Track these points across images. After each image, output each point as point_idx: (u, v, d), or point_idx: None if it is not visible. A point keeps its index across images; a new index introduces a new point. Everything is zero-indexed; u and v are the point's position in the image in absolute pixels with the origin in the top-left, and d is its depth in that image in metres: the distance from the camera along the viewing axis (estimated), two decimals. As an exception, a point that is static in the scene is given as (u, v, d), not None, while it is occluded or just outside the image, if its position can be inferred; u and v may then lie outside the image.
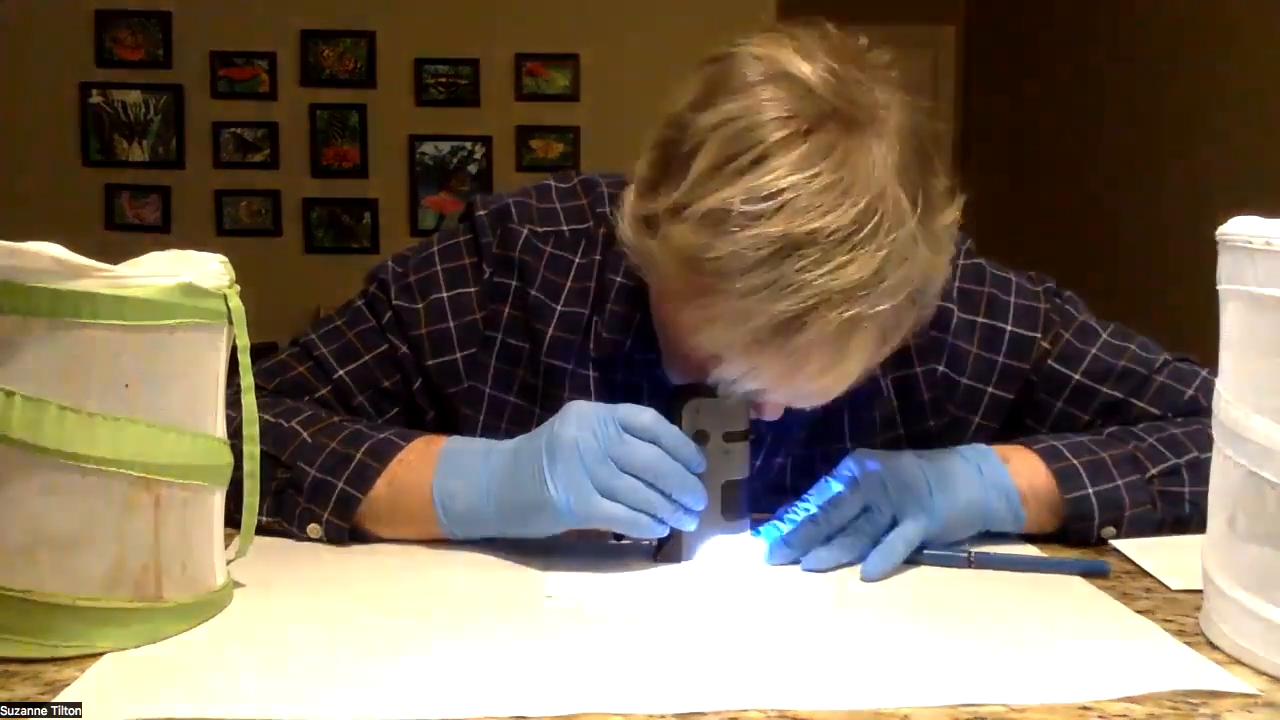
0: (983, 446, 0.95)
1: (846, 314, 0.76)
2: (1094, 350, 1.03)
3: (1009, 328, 1.02)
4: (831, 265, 0.75)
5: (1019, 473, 0.93)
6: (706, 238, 0.77)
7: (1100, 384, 1.02)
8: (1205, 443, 0.94)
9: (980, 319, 1.02)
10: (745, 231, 0.75)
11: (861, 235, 0.75)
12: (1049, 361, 1.02)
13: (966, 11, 5.82)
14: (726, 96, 0.79)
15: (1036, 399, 1.03)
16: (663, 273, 0.84)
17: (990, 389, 1.02)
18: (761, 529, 0.90)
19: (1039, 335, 1.02)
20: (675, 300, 0.85)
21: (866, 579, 0.85)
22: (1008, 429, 1.04)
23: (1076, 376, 1.02)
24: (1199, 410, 1.01)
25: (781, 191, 0.75)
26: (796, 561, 0.88)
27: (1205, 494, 0.94)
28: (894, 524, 0.88)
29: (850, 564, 0.87)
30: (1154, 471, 0.95)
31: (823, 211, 0.75)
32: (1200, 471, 0.94)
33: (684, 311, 0.83)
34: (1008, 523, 0.93)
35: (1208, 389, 1.01)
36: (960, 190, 0.86)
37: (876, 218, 0.75)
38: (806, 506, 0.89)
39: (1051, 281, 1.07)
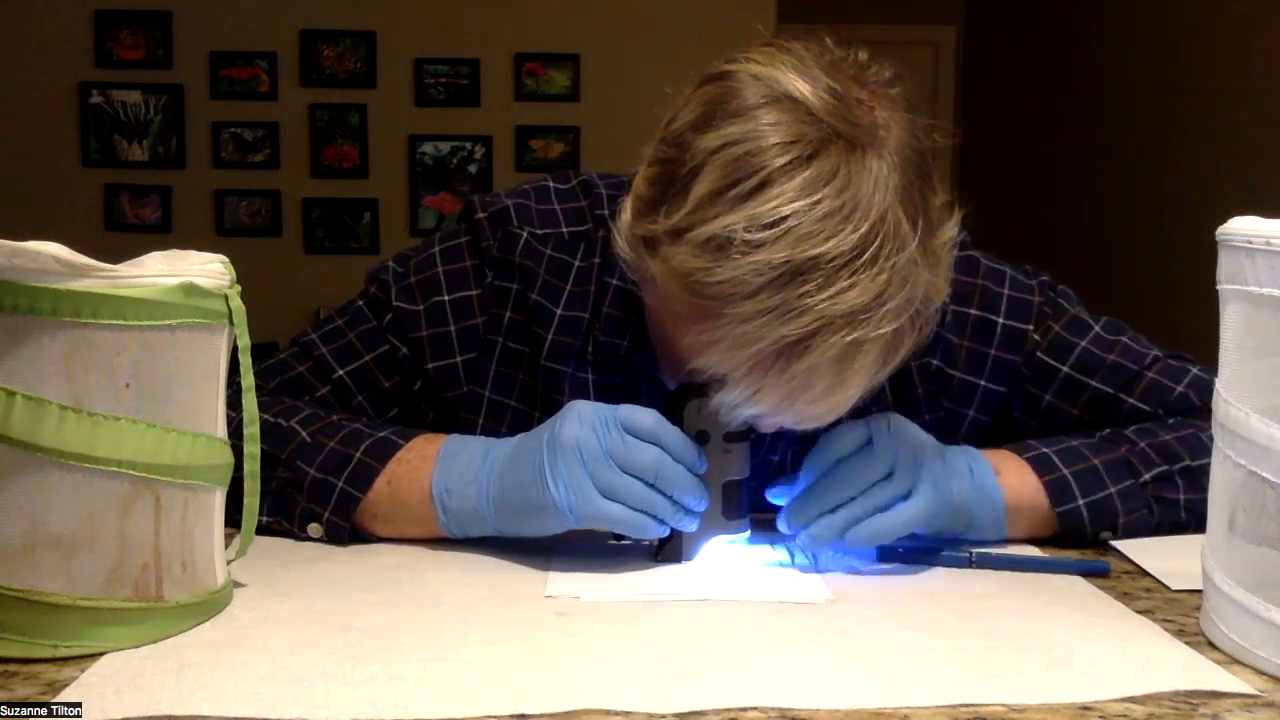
0: (975, 451, 0.94)
1: (849, 338, 0.76)
2: (1084, 343, 1.02)
3: (1001, 320, 1.01)
4: (834, 290, 0.75)
5: (1008, 485, 0.92)
6: (708, 262, 0.76)
7: (1089, 378, 1.02)
8: (1198, 448, 0.94)
9: (973, 311, 1.01)
10: (748, 257, 0.75)
11: (863, 259, 0.75)
12: (1038, 353, 1.02)
13: (966, 11, 5.82)
14: (727, 119, 0.78)
15: (1025, 391, 1.03)
16: (662, 293, 0.84)
17: (983, 382, 1.02)
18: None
19: (1030, 327, 1.02)
20: (676, 321, 0.85)
21: (849, 545, 0.85)
22: (1003, 424, 1.04)
23: (1065, 369, 1.02)
24: (1190, 408, 1.00)
25: (785, 219, 0.75)
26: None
27: (1200, 501, 0.93)
28: (908, 497, 0.87)
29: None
30: (1148, 477, 0.95)
31: (825, 237, 0.75)
32: (1194, 478, 0.94)
33: (686, 335, 0.82)
34: (988, 531, 0.93)
35: (1199, 386, 1.01)
36: (959, 191, 0.86)
37: (878, 242, 0.76)
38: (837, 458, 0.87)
39: (1047, 276, 1.06)
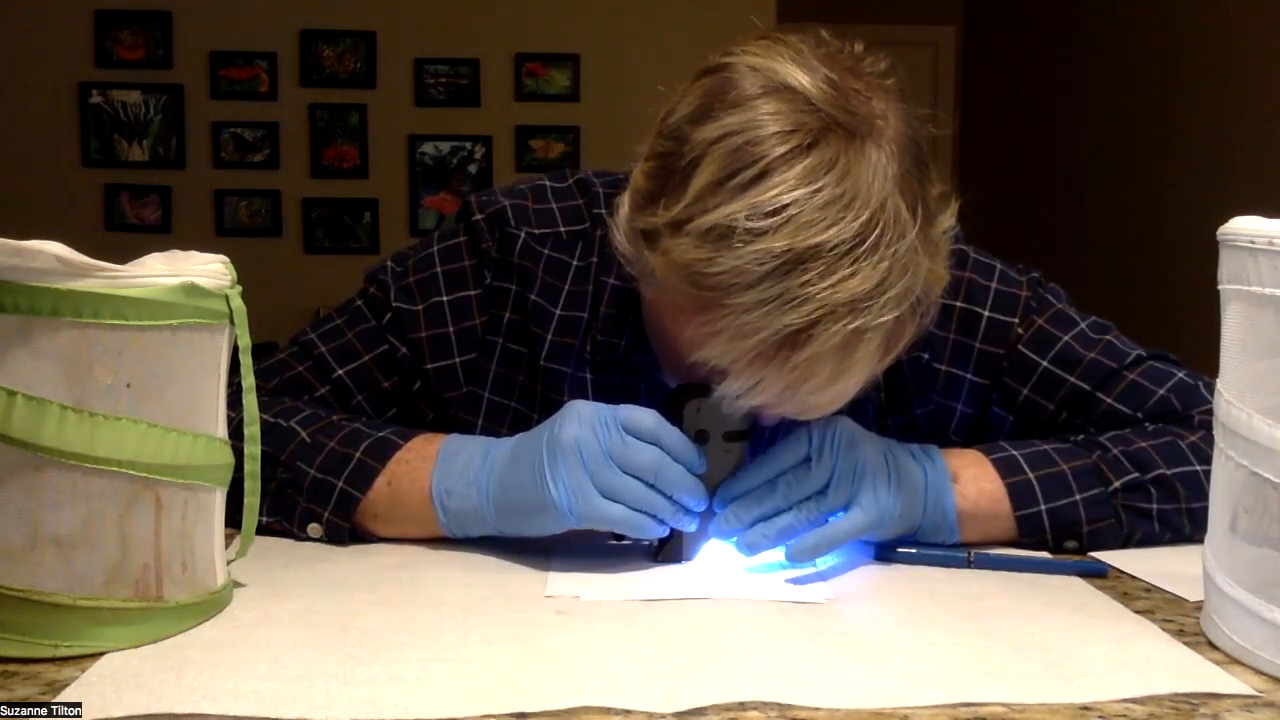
0: (938, 455, 0.93)
1: (851, 326, 0.75)
2: (1066, 338, 1.01)
3: (986, 313, 1.01)
4: (835, 278, 0.74)
5: (964, 491, 0.91)
6: (709, 253, 0.76)
7: (1068, 373, 1.01)
8: (1176, 457, 0.93)
9: (959, 304, 1.01)
10: (749, 247, 0.75)
11: (864, 247, 0.75)
12: (1020, 346, 1.01)
13: (966, 11, 5.82)
14: (726, 110, 0.78)
15: (1004, 384, 1.02)
16: (663, 286, 0.84)
17: (969, 375, 1.02)
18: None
19: (1015, 320, 1.01)
20: (676, 315, 0.84)
21: (791, 559, 0.85)
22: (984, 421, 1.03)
23: (1044, 363, 1.01)
24: (1169, 412, 0.99)
25: (785, 207, 0.75)
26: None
27: (1175, 512, 0.93)
28: (846, 508, 0.86)
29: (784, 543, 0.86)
30: (1117, 485, 0.93)
31: (826, 225, 0.75)
32: (1170, 489, 0.92)
33: (687, 328, 0.82)
34: (939, 537, 0.92)
35: (1182, 390, 0.99)
36: (958, 191, 0.86)
37: (879, 230, 0.76)
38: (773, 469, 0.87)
39: (1038, 273, 1.06)
